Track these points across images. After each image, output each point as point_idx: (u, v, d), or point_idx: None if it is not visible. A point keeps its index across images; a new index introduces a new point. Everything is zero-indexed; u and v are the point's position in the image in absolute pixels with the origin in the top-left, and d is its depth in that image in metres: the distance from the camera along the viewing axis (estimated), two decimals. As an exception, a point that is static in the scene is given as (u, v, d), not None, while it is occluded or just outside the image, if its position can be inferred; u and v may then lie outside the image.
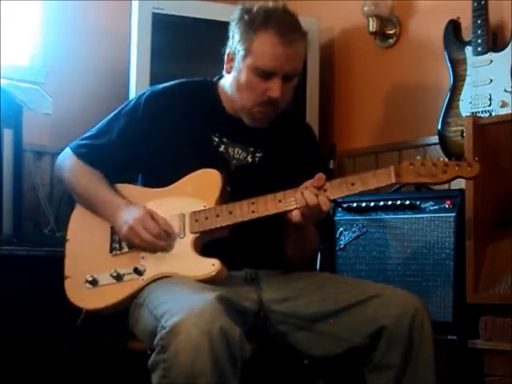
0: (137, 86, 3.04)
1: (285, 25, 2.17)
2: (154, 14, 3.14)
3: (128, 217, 2.19)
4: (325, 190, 2.10)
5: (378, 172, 2.10)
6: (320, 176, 2.12)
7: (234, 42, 2.22)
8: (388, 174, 2.08)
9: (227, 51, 2.26)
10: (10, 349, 2.60)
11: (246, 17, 2.20)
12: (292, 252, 2.27)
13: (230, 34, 2.25)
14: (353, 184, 2.10)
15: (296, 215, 2.11)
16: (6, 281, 2.55)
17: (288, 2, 3.47)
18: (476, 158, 2.10)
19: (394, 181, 2.08)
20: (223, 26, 2.29)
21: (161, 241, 2.16)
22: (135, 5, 3.14)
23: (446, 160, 2.11)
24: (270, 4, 2.23)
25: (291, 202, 2.11)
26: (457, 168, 2.07)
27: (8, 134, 2.85)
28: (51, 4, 3.32)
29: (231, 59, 2.24)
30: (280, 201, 2.12)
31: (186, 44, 3.20)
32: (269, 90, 2.19)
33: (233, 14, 2.25)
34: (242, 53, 2.20)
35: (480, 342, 2.41)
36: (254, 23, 2.18)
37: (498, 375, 2.36)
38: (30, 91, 2.91)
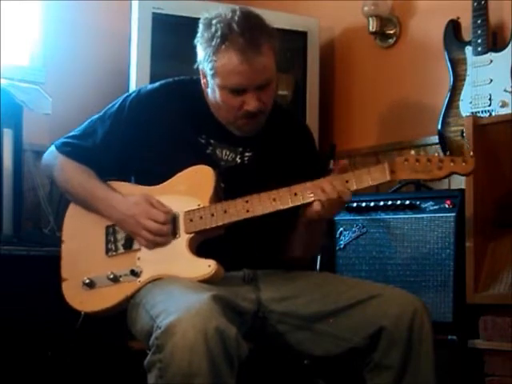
0: (137, 86, 3.03)
1: (243, 41, 2.10)
2: (153, 13, 3.13)
3: (129, 211, 2.19)
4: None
5: (372, 169, 2.08)
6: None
7: (201, 60, 2.19)
8: (382, 171, 2.07)
9: (199, 67, 2.22)
10: (9, 349, 2.60)
11: (205, 34, 2.16)
12: (300, 253, 2.26)
13: (197, 49, 2.21)
14: (347, 181, 2.09)
15: (317, 205, 2.07)
16: (6, 281, 2.55)
17: (289, 2, 3.50)
18: (471, 154, 2.08)
19: (388, 178, 2.06)
20: (223, 26, 2.27)
21: (167, 226, 2.16)
22: (135, 5, 3.14)
23: (441, 155, 2.09)
24: (230, 13, 2.15)
25: (286, 200, 2.10)
26: (452, 164, 2.06)
27: (8, 134, 2.85)
28: (51, 4, 3.32)
29: (204, 76, 2.22)
30: (274, 199, 2.11)
31: (186, 44, 3.18)
32: (245, 105, 2.17)
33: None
34: (209, 72, 2.17)
35: (480, 342, 2.41)
36: (212, 42, 2.13)
37: (497, 375, 2.36)
38: (30, 91, 2.91)
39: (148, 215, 2.16)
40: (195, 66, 2.24)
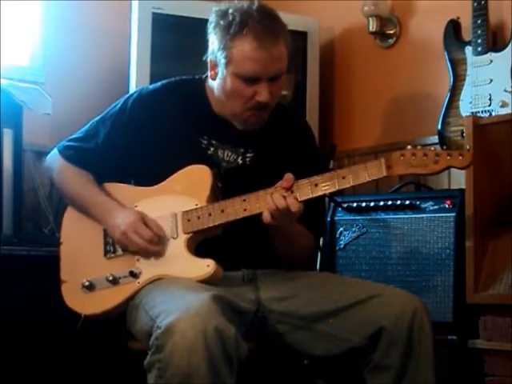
0: (137, 86, 3.03)
1: (262, 27, 2.12)
2: (153, 13, 3.13)
3: (120, 221, 2.18)
4: (316, 185, 2.09)
5: (368, 165, 2.08)
6: (288, 177, 2.10)
7: (214, 50, 2.19)
8: (379, 166, 2.07)
9: (208, 58, 2.22)
10: (9, 349, 2.60)
11: (222, 22, 2.16)
12: (282, 252, 2.25)
13: (209, 40, 2.21)
14: (344, 177, 2.08)
15: (266, 217, 2.09)
16: (6, 281, 2.55)
17: (289, 2, 3.50)
18: (468, 147, 2.08)
19: (385, 174, 2.06)
20: (223, 26, 2.26)
21: (154, 246, 2.15)
22: (135, 5, 3.14)
23: (438, 150, 2.09)
24: (245, 4, 2.17)
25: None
26: (448, 157, 2.06)
27: (8, 134, 2.84)
28: (51, 4, 3.32)
29: (214, 66, 2.21)
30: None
31: (185, 44, 3.20)
32: (256, 95, 2.17)
33: (209, 17, 2.22)
34: (223, 61, 2.16)
35: (480, 342, 2.41)
36: (230, 29, 2.14)
37: (497, 375, 2.36)
38: (30, 91, 2.91)
39: (135, 229, 2.15)
40: (204, 58, 2.24)
